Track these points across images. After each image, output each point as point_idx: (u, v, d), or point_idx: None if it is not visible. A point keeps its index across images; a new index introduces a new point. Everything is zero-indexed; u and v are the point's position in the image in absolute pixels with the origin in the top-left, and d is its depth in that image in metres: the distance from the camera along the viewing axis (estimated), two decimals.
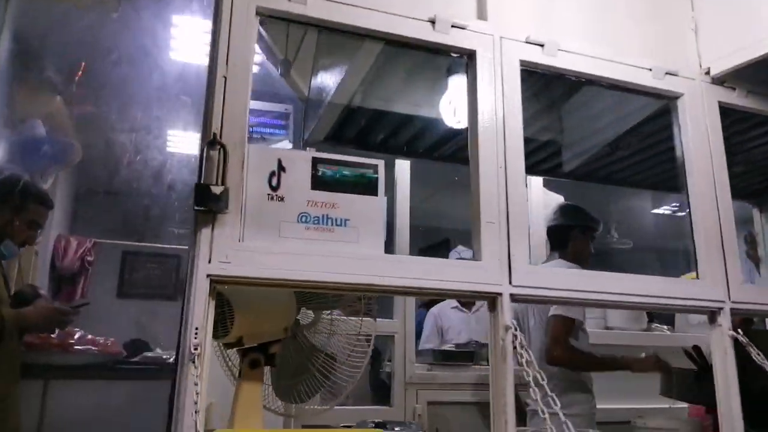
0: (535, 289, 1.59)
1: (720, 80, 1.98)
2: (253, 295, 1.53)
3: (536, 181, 3.58)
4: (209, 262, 1.35)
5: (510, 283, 1.57)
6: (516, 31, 1.75)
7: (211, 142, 1.40)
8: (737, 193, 3.48)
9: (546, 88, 2.43)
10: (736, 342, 1.80)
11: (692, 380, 2.61)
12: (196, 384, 1.22)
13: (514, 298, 1.56)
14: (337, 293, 1.61)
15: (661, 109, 2.30)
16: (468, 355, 3.36)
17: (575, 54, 1.82)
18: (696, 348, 2.48)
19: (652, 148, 2.65)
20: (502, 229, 1.61)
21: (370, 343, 1.63)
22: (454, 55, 1.74)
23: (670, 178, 2.92)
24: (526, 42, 1.77)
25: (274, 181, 1.48)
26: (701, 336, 3.28)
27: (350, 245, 1.48)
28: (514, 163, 1.67)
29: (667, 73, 1.91)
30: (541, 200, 3.58)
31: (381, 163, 1.58)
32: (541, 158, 2.86)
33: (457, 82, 2.37)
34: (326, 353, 1.57)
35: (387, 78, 2.23)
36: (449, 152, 2.74)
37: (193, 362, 1.26)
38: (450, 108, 2.34)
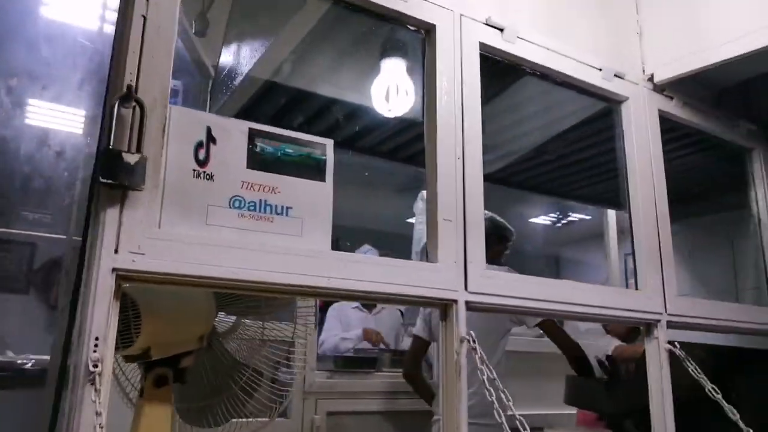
0: (492, 297, 1.43)
1: (660, 88, 1.95)
2: (166, 296, 1.23)
3: None
4: (116, 252, 1.03)
5: (466, 289, 1.40)
6: (476, 10, 1.59)
7: (124, 97, 1.08)
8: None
9: None
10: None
11: (602, 389, 2.61)
12: (98, 413, 0.91)
13: (469, 306, 1.39)
14: (276, 296, 1.35)
15: (591, 117, 2.26)
16: (370, 361, 3.17)
17: (532, 44, 1.69)
18: (609, 357, 2.48)
19: (573, 156, 2.63)
20: (458, 228, 1.43)
21: (305, 354, 1.38)
22: (412, 28, 1.54)
23: (585, 186, 2.95)
24: (486, 24, 1.61)
25: (202, 154, 1.19)
26: (590, 343, 3.35)
27: (292, 239, 1.23)
28: (472, 155, 1.50)
29: (615, 75, 1.85)
30: None
31: (330, 144, 1.34)
32: None
33: (391, 67, 2.18)
34: (254, 368, 1.30)
35: (318, 54, 1.98)
36: (370, 144, 2.54)
37: (93, 383, 0.95)
38: (382, 93, 2.14)
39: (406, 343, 3.58)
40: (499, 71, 2.19)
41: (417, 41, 2.10)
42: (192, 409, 1.31)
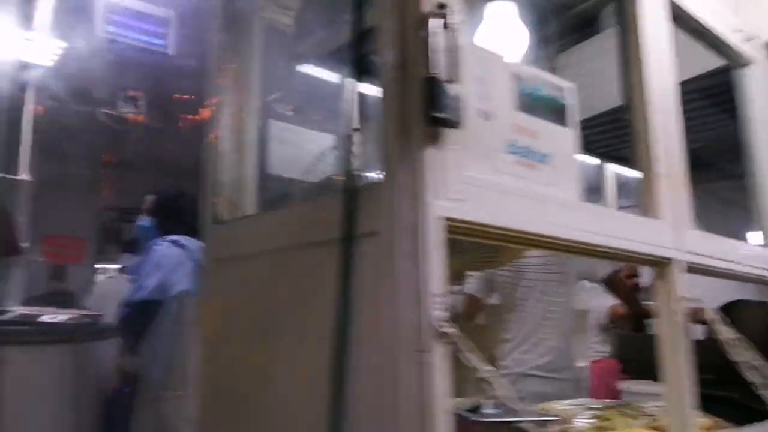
0: (707, 259, 1.39)
1: None
2: None
3: None
4: (439, 198, 0.88)
5: (683, 249, 1.34)
6: None
7: (437, 15, 0.91)
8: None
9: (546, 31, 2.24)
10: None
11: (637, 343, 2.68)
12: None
13: (689, 267, 1.34)
14: (537, 248, 1.23)
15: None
16: None
17: None
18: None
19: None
20: (672, 186, 1.37)
21: None
22: None
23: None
24: None
25: (481, 91, 1.04)
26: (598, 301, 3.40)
27: (552, 189, 1.12)
28: (669, 108, 1.44)
29: (749, 38, 1.84)
30: None
31: (573, 87, 1.22)
32: None
33: (495, 11, 2.08)
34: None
35: None
36: None
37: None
38: (492, 41, 2.02)
39: None
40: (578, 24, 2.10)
41: None
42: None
